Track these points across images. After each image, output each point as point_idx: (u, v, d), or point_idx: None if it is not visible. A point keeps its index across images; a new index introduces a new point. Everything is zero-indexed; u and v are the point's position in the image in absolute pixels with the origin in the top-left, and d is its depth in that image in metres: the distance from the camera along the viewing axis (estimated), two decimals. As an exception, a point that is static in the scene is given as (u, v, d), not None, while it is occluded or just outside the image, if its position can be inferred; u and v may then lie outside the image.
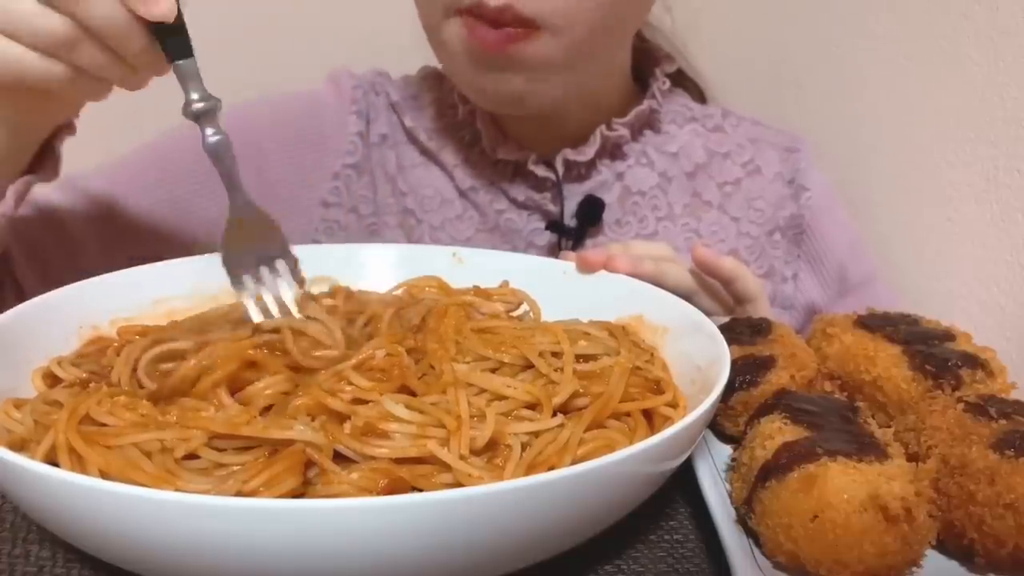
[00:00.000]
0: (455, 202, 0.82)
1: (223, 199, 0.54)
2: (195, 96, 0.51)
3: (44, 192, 0.72)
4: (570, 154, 0.79)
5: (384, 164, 0.84)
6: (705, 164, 0.84)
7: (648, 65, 0.84)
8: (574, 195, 0.80)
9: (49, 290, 0.53)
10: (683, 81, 0.90)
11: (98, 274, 0.56)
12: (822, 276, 0.86)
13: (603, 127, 0.79)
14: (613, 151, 0.81)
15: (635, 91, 0.85)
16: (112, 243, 0.75)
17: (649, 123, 0.83)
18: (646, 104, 0.81)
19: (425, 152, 0.83)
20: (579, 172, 0.81)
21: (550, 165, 0.80)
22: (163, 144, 0.80)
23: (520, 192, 0.81)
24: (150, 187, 0.77)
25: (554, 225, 0.80)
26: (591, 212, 0.79)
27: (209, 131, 0.51)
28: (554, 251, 0.80)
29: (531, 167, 0.79)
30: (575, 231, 0.79)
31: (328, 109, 0.84)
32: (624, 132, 0.80)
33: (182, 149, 0.79)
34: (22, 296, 0.67)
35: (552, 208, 0.80)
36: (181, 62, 0.51)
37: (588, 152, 0.79)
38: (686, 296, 0.62)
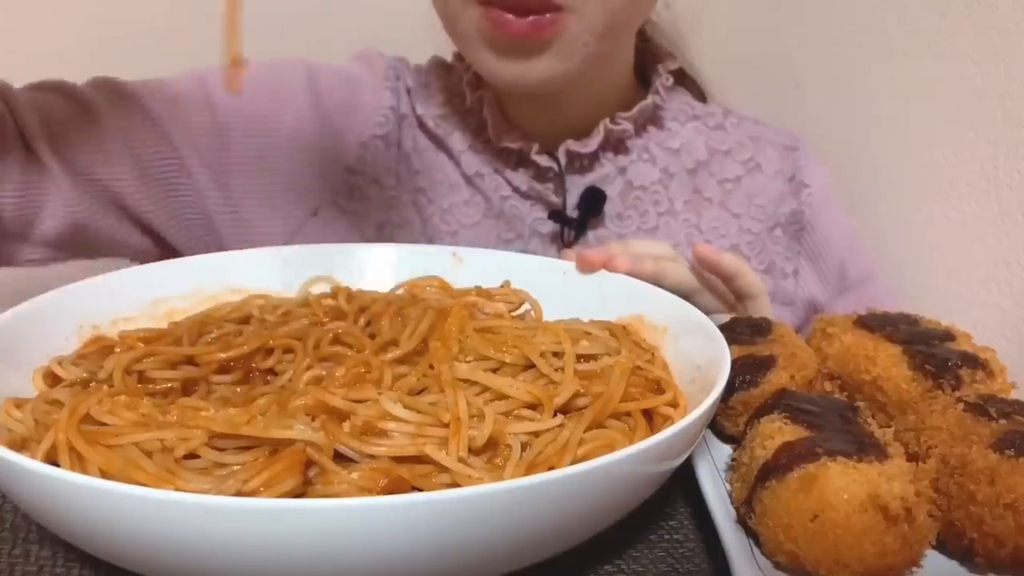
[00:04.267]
0: (462, 188, 0.83)
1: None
2: None
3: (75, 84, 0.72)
4: (572, 145, 0.79)
5: (403, 142, 0.85)
6: (706, 161, 0.85)
7: (650, 63, 0.84)
8: (576, 187, 0.81)
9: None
10: (684, 81, 0.90)
11: (100, 275, 0.56)
12: (822, 272, 0.86)
13: (607, 121, 0.80)
14: (616, 145, 0.82)
15: (637, 88, 0.85)
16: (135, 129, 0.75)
17: (652, 119, 0.84)
18: (650, 100, 0.81)
19: (434, 139, 0.84)
20: (581, 164, 0.81)
21: (553, 156, 0.80)
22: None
23: (523, 181, 0.81)
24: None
25: (556, 215, 0.80)
26: (592, 203, 0.80)
27: None
28: (557, 240, 0.81)
29: (534, 157, 0.79)
30: (577, 222, 0.80)
31: (363, 79, 0.84)
32: (627, 127, 0.80)
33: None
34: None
35: (554, 199, 0.80)
36: None
37: (591, 144, 0.79)
38: (687, 295, 0.62)
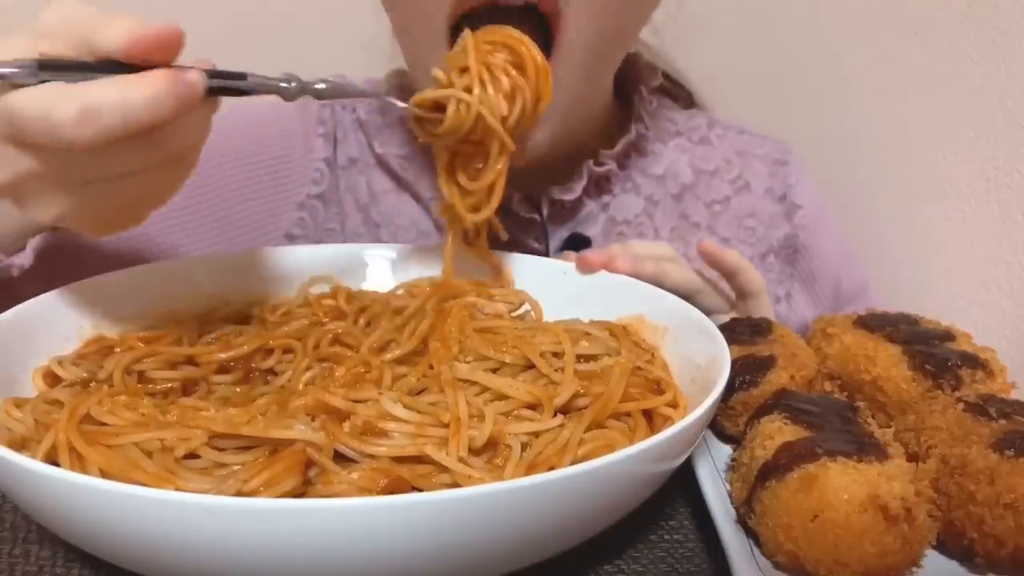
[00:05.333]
0: (432, 235, 0.76)
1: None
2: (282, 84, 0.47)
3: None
4: (557, 192, 0.74)
5: (354, 191, 0.77)
6: (692, 184, 0.80)
7: (631, 78, 0.79)
8: (558, 231, 0.76)
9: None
10: (669, 84, 0.86)
11: (100, 275, 0.56)
12: (816, 293, 0.84)
13: (590, 163, 0.74)
14: (598, 181, 0.77)
15: (617, 107, 0.80)
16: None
17: (634, 146, 0.78)
18: (634, 131, 0.77)
19: (397, 180, 0.77)
20: (563, 207, 0.75)
21: (533, 202, 0.75)
22: None
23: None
24: None
25: None
26: (576, 249, 0.73)
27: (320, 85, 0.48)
28: None
29: (515, 208, 0.73)
30: None
31: (293, 132, 0.77)
32: (612, 166, 0.76)
33: None
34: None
35: (537, 246, 0.75)
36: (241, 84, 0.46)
37: (576, 189, 0.74)
38: (687, 295, 0.62)
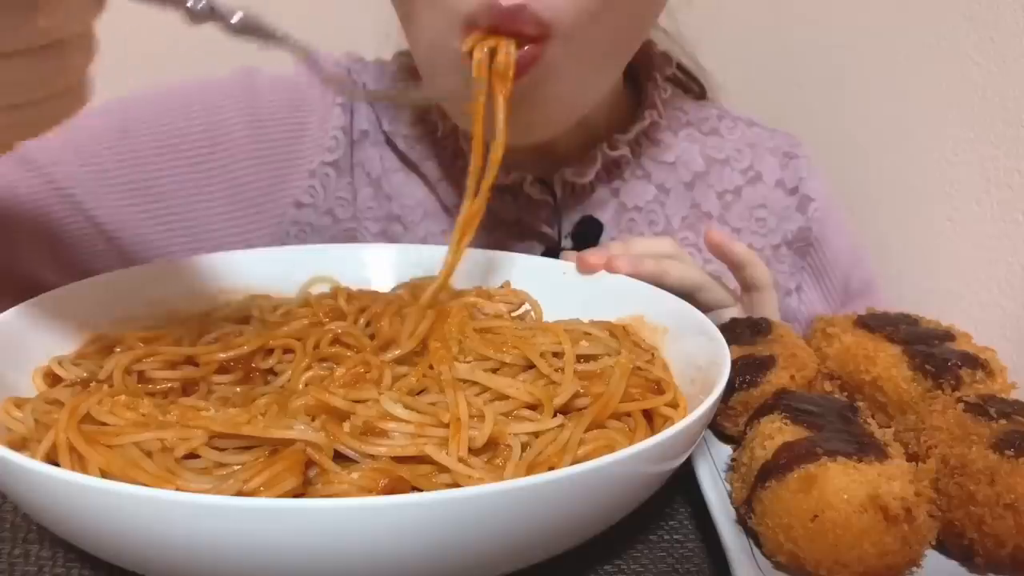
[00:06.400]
0: (440, 216, 0.76)
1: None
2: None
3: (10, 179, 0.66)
4: (569, 175, 0.74)
5: (365, 164, 0.77)
6: (704, 173, 0.80)
7: (643, 63, 0.78)
8: (569, 216, 0.76)
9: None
10: (680, 76, 0.86)
11: (100, 275, 0.56)
12: (827, 288, 0.84)
13: (604, 146, 0.74)
14: (609, 167, 0.76)
15: (627, 95, 0.79)
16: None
17: (647, 134, 0.78)
18: (647, 119, 0.76)
19: (405, 160, 0.76)
20: (573, 190, 0.75)
21: (545, 184, 0.74)
22: (122, 112, 0.72)
23: (511, 212, 0.74)
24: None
25: (548, 252, 0.75)
26: (588, 234, 0.75)
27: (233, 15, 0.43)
28: None
29: (527, 189, 0.73)
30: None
31: (311, 98, 0.75)
32: (625, 151, 0.75)
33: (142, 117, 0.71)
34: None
35: (547, 230, 0.75)
36: None
37: (589, 173, 0.74)
38: (690, 292, 0.61)
